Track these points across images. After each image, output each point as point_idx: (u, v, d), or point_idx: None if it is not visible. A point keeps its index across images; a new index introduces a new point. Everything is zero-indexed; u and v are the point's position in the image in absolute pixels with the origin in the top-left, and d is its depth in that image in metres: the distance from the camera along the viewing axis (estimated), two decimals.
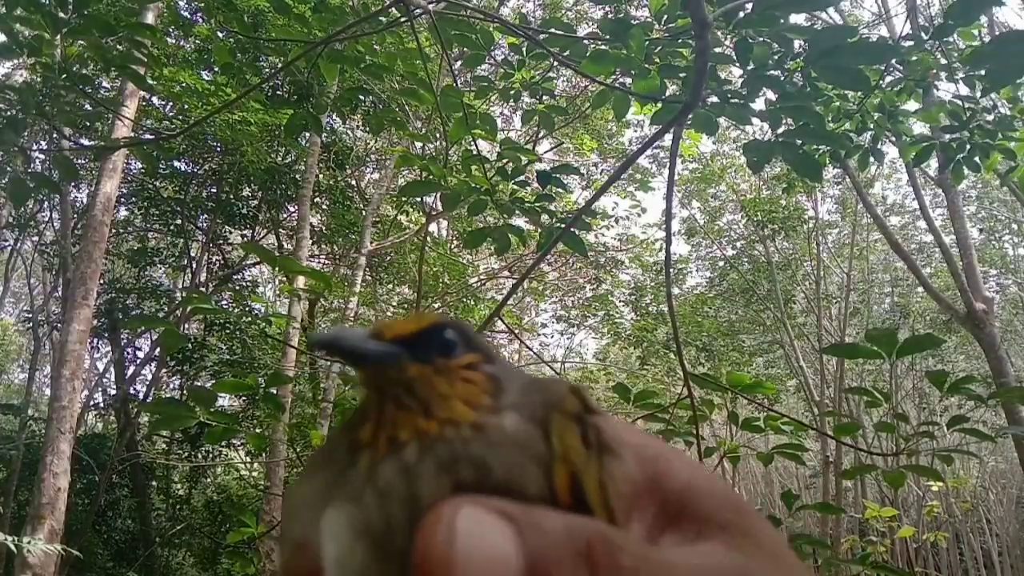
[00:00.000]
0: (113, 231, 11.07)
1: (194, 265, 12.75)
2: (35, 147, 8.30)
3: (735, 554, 0.31)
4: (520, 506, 0.29)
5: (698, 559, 0.30)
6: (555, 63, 3.02)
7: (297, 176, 11.02)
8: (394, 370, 0.33)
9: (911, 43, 3.12)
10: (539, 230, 3.25)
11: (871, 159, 3.40)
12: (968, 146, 3.10)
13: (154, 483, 12.77)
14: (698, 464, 0.34)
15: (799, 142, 2.52)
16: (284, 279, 10.86)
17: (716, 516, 0.32)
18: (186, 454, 12.52)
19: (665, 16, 2.63)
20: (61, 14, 2.45)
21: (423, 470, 0.30)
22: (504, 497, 0.29)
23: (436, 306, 12.78)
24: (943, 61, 2.97)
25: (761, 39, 2.40)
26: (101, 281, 9.94)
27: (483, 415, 0.32)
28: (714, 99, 2.59)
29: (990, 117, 3.16)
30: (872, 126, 3.17)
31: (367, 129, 11.61)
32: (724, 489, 0.34)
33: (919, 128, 3.66)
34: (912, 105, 3.35)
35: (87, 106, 2.96)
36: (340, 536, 0.30)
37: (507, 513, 0.28)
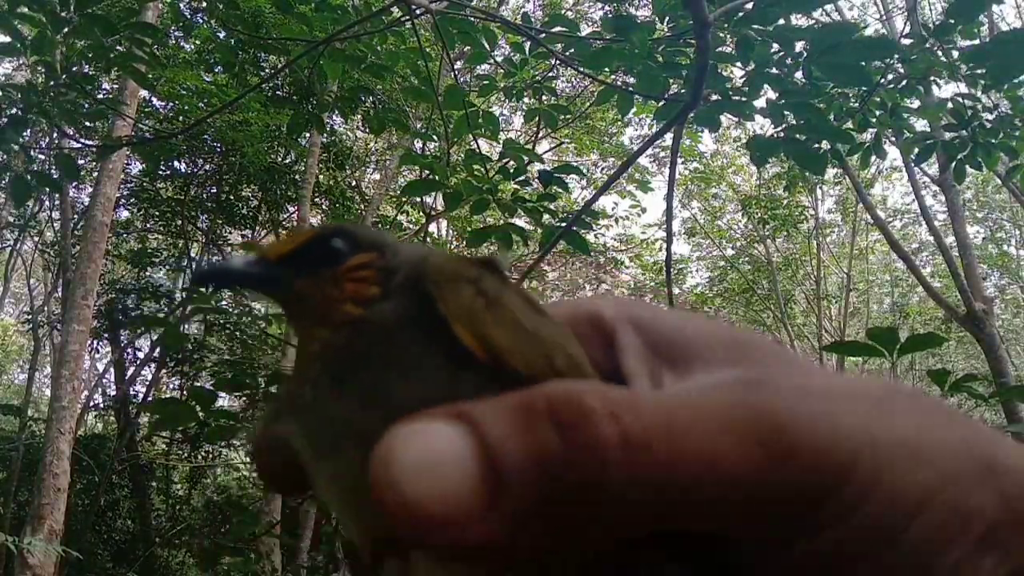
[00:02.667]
0: (113, 232, 11.07)
1: (194, 265, 12.75)
2: (35, 147, 8.30)
3: (746, 372, 0.26)
4: (465, 403, 0.25)
5: (698, 389, 0.26)
6: (557, 62, 3.02)
7: (297, 176, 11.02)
8: (282, 290, 0.33)
9: (911, 40, 3.12)
10: (539, 230, 3.26)
11: (873, 156, 3.40)
12: (970, 145, 3.10)
13: (154, 483, 12.76)
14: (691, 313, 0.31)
15: (802, 137, 2.53)
16: None
17: (720, 350, 0.28)
18: (186, 454, 12.51)
19: (668, 16, 2.63)
20: (63, 13, 2.45)
21: (322, 383, 0.30)
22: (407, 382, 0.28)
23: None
24: (944, 59, 2.97)
25: (760, 39, 2.40)
26: (101, 282, 9.94)
27: (370, 308, 0.31)
28: (716, 97, 2.59)
29: (991, 116, 3.17)
30: (874, 123, 3.17)
31: (367, 129, 11.63)
32: (724, 326, 0.30)
33: (921, 126, 3.66)
34: (914, 103, 3.35)
35: (86, 106, 2.96)
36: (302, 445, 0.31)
37: (449, 415, 0.24)
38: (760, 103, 2.65)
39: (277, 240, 0.35)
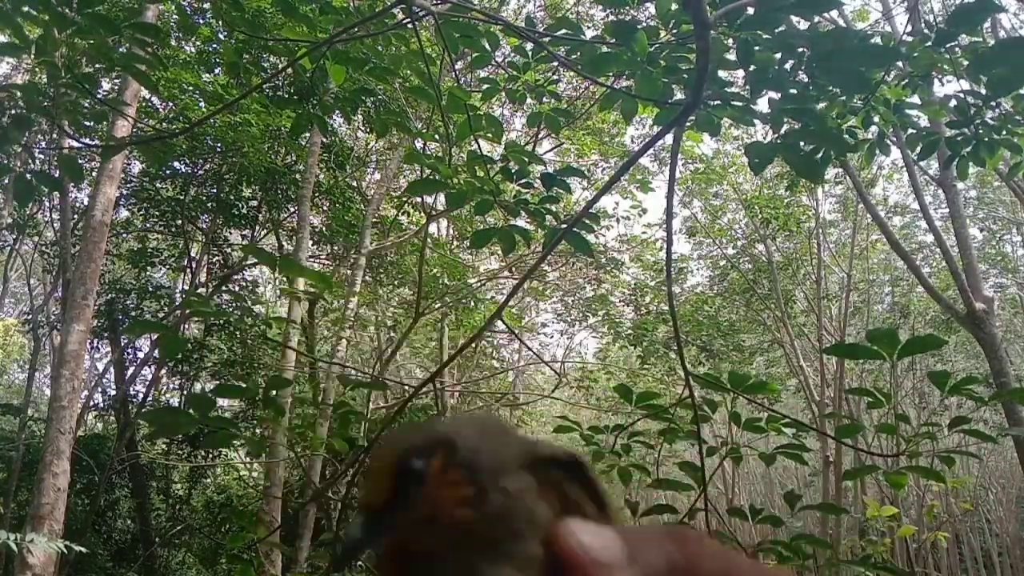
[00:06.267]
0: (113, 232, 11.07)
1: (194, 265, 12.75)
2: (36, 146, 8.31)
3: None
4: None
5: None
6: (558, 65, 3.02)
7: (297, 176, 11.02)
8: (400, 531, 0.39)
9: (912, 39, 3.12)
10: (539, 230, 3.26)
11: (877, 152, 3.40)
12: (973, 141, 3.09)
13: (154, 483, 12.77)
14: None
15: (801, 143, 2.53)
16: (284, 280, 10.86)
17: None
18: (186, 454, 12.51)
19: (672, 20, 2.63)
20: (67, 11, 2.45)
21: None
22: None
23: (436, 306, 12.78)
24: (947, 56, 2.97)
25: (760, 47, 2.40)
26: (101, 281, 9.94)
27: (479, 509, 0.39)
28: (716, 102, 2.59)
29: (992, 114, 3.16)
30: (877, 119, 3.17)
31: (368, 129, 11.63)
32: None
33: (923, 123, 3.66)
34: (916, 99, 3.35)
35: (87, 106, 2.96)
36: None
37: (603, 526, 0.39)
38: (760, 105, 2.65)
39: (366, 486, 0.41)
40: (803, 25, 2.53)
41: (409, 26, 3.00)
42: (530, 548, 0.38)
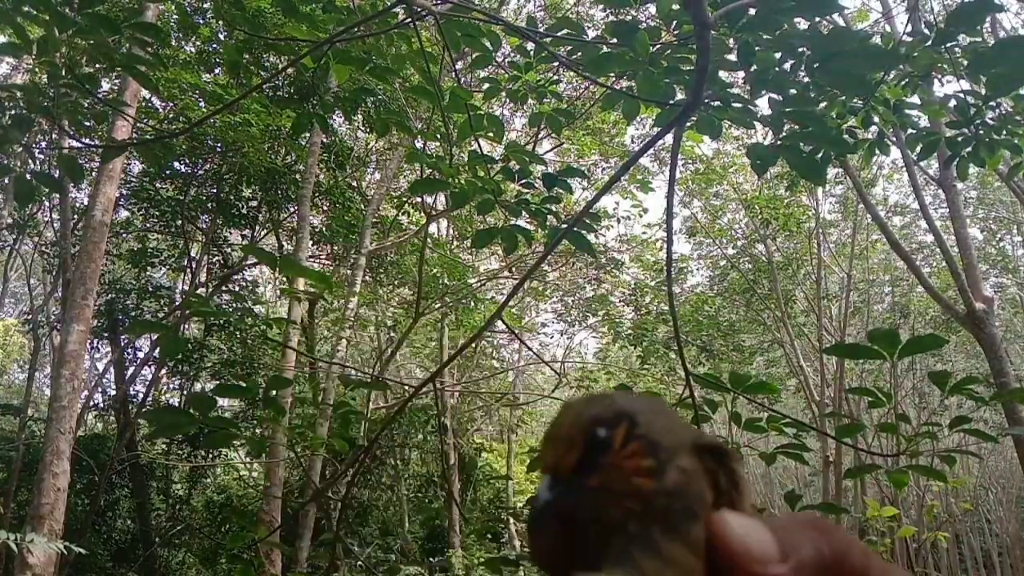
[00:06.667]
0: (113, 232, 11.06)
1: (194, 265, 12.75)
2: (36, 146, 8.30)
3: None
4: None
5: None
6: (559, 65, 3.02)
7: (297, 176, 11.02)
8: (588, 499, 0.41)
9: (912, 39, 3.12)
10: (539, 230, 3.26)
11: (877, 152, 3.40)
12: (973, 141, 3.10)
13: (154, 483, 12.76)
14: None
15: (802, 145, 2.53)
16: (284, 280, 10.85)
17: None
18: (186, 454, 12.51)
19: (674, 21, 2.63)
20: (67, 11, 2.45)
21: (645, 541, 0.39)
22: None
23: (436, 307, 12.78)
24: (947, 56, 2.97)
25: (760, 48, 2.40)
26: (101, 281, 9.94)
27: (659, 480, 0.40)
28: (717, 103, 2.59)
29: (992, 114, 3.16)
30: (877, 119, 3.17)
31: (368, 129, 11.63)
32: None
33: (924, 122, 3.66)
34: (915, 99, 3.35)
35: (87, 106, 2.96)
36: None
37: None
38: (761, 107, 2.65)
39: (551, 449, 0.42)
40: (803, 26, 2.53)
41: (410, 26, 3.00)
42: (698, 528, 0.39)
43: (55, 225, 12.43)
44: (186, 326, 13.11)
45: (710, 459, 0.42)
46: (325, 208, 12.27)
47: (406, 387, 11.30)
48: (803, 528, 0.39)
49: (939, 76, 3.46)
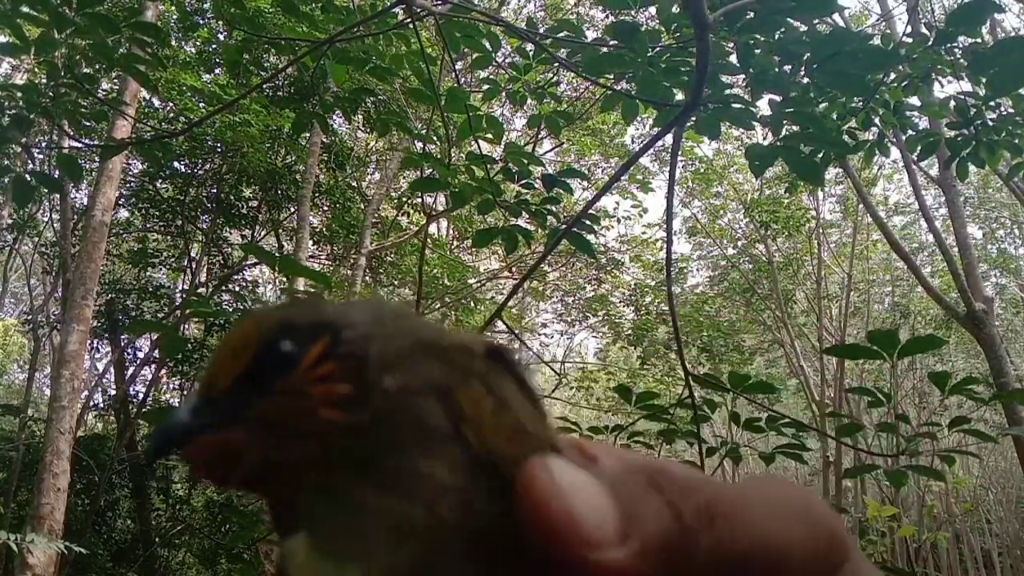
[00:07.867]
0: (113, 232, 11.06)
1: (194, 266, 12.74)
2: (35, 146, 8.31)
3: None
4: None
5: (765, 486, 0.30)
6: (559, 66, 3.02)
7: (297, 176, 11.02)
8: (244, 425, 0.30)
9: (912, 40, 3.12)
10: (539, 230, 3.26)
11: (877, 153, 3.40)
12: (973, 142, 3.10)
13: (154, 483, 12.76)
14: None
15: (801, 146, 2.53)
16: (284, 280, 10.86)
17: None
18: None
19: (674, 23, 2.63)
20: (67, 11, 2.45)
21: (331, 493, 0.29)
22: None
23: (436, 307, 12.78)
24: (947, 57, 2.97)
25: (759, 50, 2.40)
26: (101, 282, 9.94)
27: (353, 412, 0.29)
28: (716, 104, 2.59)
29: (992, 115, 3.17)
30: (877, 120, 3.17)
31: (368, 129, 11.64)
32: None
33: (923, 124, 3.67)
34: (915, 100, 3.36)
35: (87, 106, 2.96)
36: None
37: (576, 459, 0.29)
38: (761, 108, 2.65)
39: (216, 361, 0.31)
40: (803, 27, 2.53)
41: (410, 26, 3.00)
42: (427, 468, 0.28)
43: (55, 225, 12.43)
44: (186, 326, 13.10)
45: (478, 364, 0.31)
46: (325, 208, 12.28)
47: None
48: (650, 483, 0.28)
49: (939, 77, 3.46)
